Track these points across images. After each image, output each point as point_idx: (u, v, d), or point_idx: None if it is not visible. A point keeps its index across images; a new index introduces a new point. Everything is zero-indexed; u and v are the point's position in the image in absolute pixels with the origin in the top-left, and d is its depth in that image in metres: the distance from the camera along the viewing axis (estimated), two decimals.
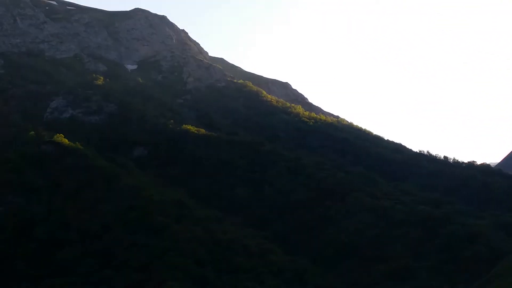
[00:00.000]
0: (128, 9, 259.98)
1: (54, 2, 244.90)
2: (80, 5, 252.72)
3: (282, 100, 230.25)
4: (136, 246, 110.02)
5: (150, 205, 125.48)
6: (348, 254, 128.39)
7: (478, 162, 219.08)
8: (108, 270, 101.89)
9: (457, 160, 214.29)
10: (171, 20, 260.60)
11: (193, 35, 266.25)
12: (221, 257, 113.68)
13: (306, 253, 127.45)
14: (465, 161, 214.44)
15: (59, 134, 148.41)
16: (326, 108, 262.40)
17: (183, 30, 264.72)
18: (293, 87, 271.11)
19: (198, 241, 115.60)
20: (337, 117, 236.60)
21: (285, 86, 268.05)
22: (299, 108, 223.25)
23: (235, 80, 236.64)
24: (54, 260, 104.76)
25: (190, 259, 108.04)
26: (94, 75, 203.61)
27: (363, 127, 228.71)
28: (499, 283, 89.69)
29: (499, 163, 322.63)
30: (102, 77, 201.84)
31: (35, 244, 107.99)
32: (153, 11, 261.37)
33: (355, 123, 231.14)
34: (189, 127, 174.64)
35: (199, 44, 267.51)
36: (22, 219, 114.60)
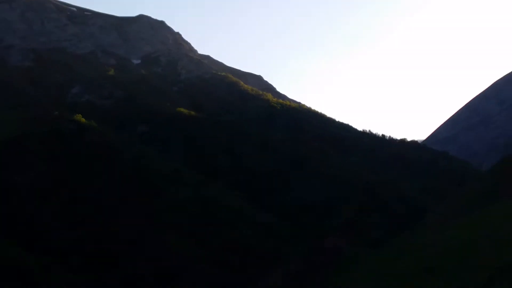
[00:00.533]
0: (134, 15, 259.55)
1: (74, 8, 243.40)
2: (95, 11, 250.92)
3: (256, 89, 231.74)
4: (140, 203, 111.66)
5: (151, 171, 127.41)
6: (307, 211, 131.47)
7: (408, 139, 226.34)
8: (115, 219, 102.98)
9: (392, 137, 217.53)
10: (168, 24, 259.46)
11: (185, 36, 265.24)
12: (207, 212, 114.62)
13: (274, 210, 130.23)
14: (398, 138, 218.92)
15: (78, 114, 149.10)
16: (290, 95, 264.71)
17: (177, 32, 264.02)
18: (265, 78, 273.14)
19: (189, 200, 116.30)
20: (299, 103, 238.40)
21: (258, 78, 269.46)
22: (269, 96, 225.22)
23: (219, 73, 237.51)
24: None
25: (183, 215, 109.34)
26: (106, 67, 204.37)
27: (319, 111, 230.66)
28: (423, 232, 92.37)
29: (425, 139, 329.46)
30: (112, 69, 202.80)
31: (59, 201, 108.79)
32: (154, 16, 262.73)
33: (313, 108, 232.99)
34: (182, 109, 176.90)
35: (190, 44, 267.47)
36: (49, 181, 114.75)
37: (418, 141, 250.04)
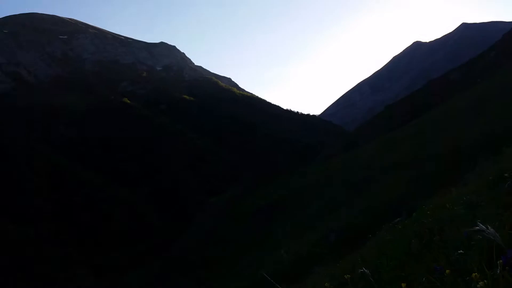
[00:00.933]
0: (157, 41, 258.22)
1: (122, 37, 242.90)
2: (134, 38, 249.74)
3: (228, 85, 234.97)
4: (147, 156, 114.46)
5: (164, 134, 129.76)
6: (261, 162, 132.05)
7: (311, 113, 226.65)
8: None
9: (302, 113, 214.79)
10: (177, 47, 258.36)
11: (187, 54, 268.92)
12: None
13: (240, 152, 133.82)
14: (305, 112, 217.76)
15: (125, 97, 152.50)
16: (247, 89, 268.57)
17: (183, 52, 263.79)
18: (233, 79, 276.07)
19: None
20: (252, 94, 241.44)
21: (229, 79, 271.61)
22: (236, 89, 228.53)
23: (207, 76, 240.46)
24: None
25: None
26: (141, 71, 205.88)
27: (264, 98, 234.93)
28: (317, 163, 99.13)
29: (320, 113, 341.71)
30: (145, 72, 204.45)
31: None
32: (169, 42, 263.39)
33: (261, 97, 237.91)
34: (186, 96, 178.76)
35: (190, 59, 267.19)
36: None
37: (316, 115, 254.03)
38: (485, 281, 1.73)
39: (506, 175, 5.47)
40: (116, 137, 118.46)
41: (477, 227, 3.35)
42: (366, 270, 3.36)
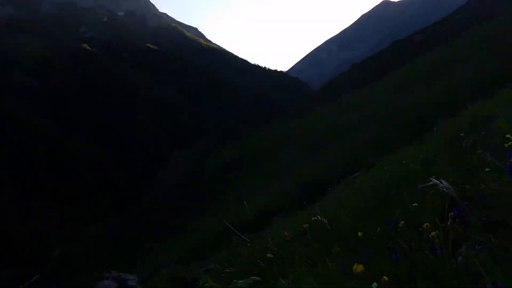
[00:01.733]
0: None
1: None
2: None
3: (194, 36, 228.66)
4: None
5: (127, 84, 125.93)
6: (228, 116, 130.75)
7: (279, 69, 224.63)
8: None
9: (270, 68, 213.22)
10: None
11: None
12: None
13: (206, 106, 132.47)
14: (273, 68, 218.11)
15: (85, 44, 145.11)
16: (214, 41, 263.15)
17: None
18: (199, 30, 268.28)
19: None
20: (219, 46, 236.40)
21: (195, 29, 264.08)
22: (202, 41, 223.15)
23: (172, 24, 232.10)
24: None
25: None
26: (100, 16, 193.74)
27: (231, 51, 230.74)
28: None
29: (287, 70, 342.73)
30: (105, 18, 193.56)
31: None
32: None
33: (227, 49, 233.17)
34: (150, 45, 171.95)
35: (154, 5, 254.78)
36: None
37: (283, 71, 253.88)
38: (436, 231, 1.82)
39: (462, 134, 5.70)
40: (75, 86, 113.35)
41: (431, 182, 3.51)
42: (324, 219, 3.48)
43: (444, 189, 1.97)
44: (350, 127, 56.50)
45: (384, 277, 1.73)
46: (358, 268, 1.52)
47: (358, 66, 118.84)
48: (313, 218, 7.34)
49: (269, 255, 3.98)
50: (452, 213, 2.11)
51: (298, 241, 4.73)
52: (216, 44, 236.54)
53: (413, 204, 2.79)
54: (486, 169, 2.53)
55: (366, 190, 5.70)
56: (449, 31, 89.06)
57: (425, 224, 2.11)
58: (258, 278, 3.27)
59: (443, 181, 2.30)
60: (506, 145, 2.59)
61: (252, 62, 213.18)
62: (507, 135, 2.50)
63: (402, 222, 2.45)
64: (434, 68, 65.48)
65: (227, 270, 5.16)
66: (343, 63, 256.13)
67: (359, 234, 2.77)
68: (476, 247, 1.60)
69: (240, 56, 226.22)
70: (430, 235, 1.75)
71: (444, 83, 53.62)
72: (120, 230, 73.21)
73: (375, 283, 1.79)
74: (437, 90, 52.54)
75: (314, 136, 66.97)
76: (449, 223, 2.06)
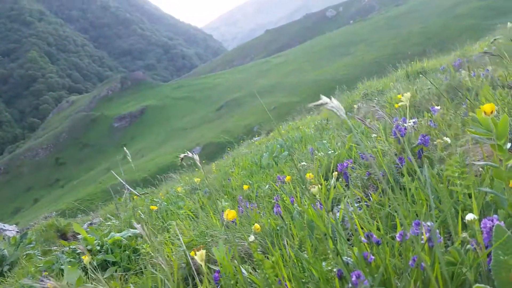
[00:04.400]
0: None
1: None
2: None
3: None
4: None
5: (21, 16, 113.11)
6: (133, 63, 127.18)
7: (193, 24, 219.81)
8: None
9: (183, 21, 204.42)
10: None
11: None
12: None
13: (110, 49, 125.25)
14: (186, 22, 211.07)
15: None
16: None
17: None
18: None
19: None
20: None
21: None
22: None
23: None
24: None
25: None
26: None
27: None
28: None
29: (204, 26, 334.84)
30: None
31: None
32: None
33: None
34: None
35: None
36: None
37: (198, 27, 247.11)
38: (319, 185, 1.82)
39: (355, 106, 6.03)
40: None
41: (321, 145, 3.61)
42: (214, 175, 3.40)
43: (333, 109, 1.96)
44: (258, 92, 57.71)
45: (256, 225, 1.71)
46: (230, 214, 1.43)
47: (272, 32, 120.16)
48: (209, 176, 7.33)
49: (153, 207, 3.84)
50: (336, 172, 2.17)
51: (189, 196, 4.68)
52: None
53: (302, 163, 2.82)
54: (373, 135, 2.61)
55: (262, 150, 5.82)
56: (359, 12, 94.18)
57: (308, 176, 2.14)
58: (138, 231, 3.13)
59: (333, 100, 2.32)
60: (396, 105, 2.76)
61: (165, 11, 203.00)
62: (399, 96, 2.63)
63: (288, 177, 2.46)
64: (342, 45, 69.29)
65: (109, 223, 4.93)
66: (258, 27, 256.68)
67: (245, 187, 2.77)
68: (355, 204, 1.63)
69: (152, 2, 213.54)
70: (313, 190, 1.74)
71: (348, 60, 57.18)
72: (3, 177, 67.19)
73: (252, 236, 1.75)
74: (341, 65, 56.05)
75: (221, 97, 67.32)
76: (332, 181, 2.12)
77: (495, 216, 1.02)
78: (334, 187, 2.09)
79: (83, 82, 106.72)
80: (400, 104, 1.95)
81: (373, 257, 1.07)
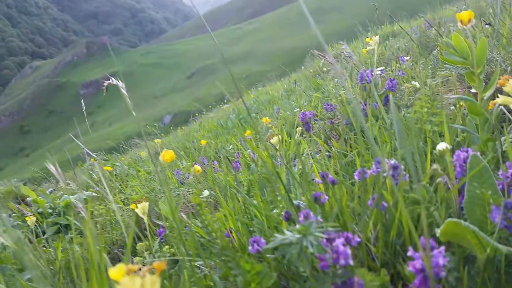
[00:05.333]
0: None
1: None
2: None
3: None
4: None
5: None
6: (99, 28, 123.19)
7: None
8: None
9: None
10: None
11: None
12: None
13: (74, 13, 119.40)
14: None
15: None
16: None
17: None
18: None
19: None
20: None
21: None
22: None
23: None
24: None
25: None
26: None
27: None
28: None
29: None
30: None
31: None
32: None
33: None
34: None
35: None
36: None
37: None
38: (284, 144, 1.71)
39: (324, 69, 5.98)
40: None
41: (287, 104, 3.49)
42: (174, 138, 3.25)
43: (296, 109, 1.87)
44: (228, 60, 56.88)
45: (196, 166, 1.70)
46: (166, 155, 1.34)
47: None
48: (175, 141, 7.16)
49: (107, 168, 3.70)
50: (300, 128, 2.08)
51: (151, 161, 4.56)
52: None
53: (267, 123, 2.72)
54: (341, 91, 2.51)
55: (229, 113, 5.75)
56: None
57: (272, 137, 2.05)
58: (94, 193, 2.99)
59: (299, 101, 2.21)
60: (364, 50, 2.68)
61: None
62: (363, 50, 2.53)
63: (248, 132, 2.35)
64: (316, 12, 68.57)
65: (67, 187, 4.73)
66: None
67: (202, 142, 2.67)
68: (317, 155, 1.53)
69: None
70: (272, 141, 1.63)
71: (321, 27, 56.97)
72: None
73: (206, 191, 1.65)
74: (312, 34, 55.78)
75: (192, 64, 66.14)
76: (296, 136, 2.02)
77: (470, 148, 0.91)
78: (299, 143, 2.00)
79: (47, 47, 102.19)
80: (368, 49, 1.83)
81: (326, 197, 0.97)
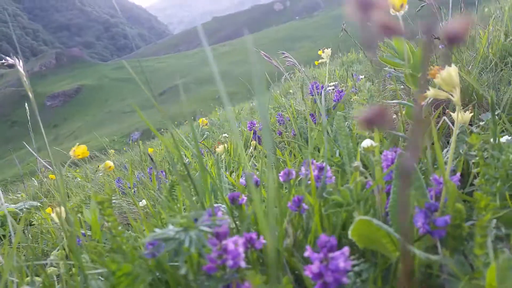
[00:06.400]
0: None
1: None
2: None
3: None
4: None
5: None
6: (69, 39, 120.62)
7: (137, 3, 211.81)
8: None
9: (132, 1, 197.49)
10: None
11: None
12: None
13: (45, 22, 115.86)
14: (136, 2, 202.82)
15: None
16: None
17: None
18: None
19: None
20: None
21: None
22: None
23: None
24: None
25: None
26: None
27: None
28: None
29: (149, 6, 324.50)
30: None
31: None
32: None
33: None
34: None
35: None
36: None
37: (142, 6, 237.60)
38: (225, 145, 1.65)
39: (290, 91, 6.09)
40: None
41: (247, 120, 3.44)
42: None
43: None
44: (201, 80, 57.10)
45: (107, 162, 1.80)
46: (77, 150, 1.41)
47: (219, 19, 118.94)
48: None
49: (51, 176, 3.55)
50: (254, 141, 2.06)
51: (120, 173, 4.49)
52: None
53: (224, 135, 2.67)
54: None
55: (194, 128, 5.73)
56: (306, 8, 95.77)
57: (217, 146, 2.01)
58: (35, 203, 2.83)
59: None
60: (316, 63, 2.70)
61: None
62: (316, 62, 2.55)
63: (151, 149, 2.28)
64: (288, 39, 70.19)
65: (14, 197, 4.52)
66: (206, 13, 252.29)
67: (149, 150, 2.58)
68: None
69: None
70: (217, 151, 1.57)
71: (293, 54, 58.23)
72: None
73: (144, 200, 1.57)
74: (284, 60, 56.94)
75: (165, 82, 65.70)
76: (250, 150, 1.98)
77: (399, 147, 0.85)
78: (252, 155, 1.95)
79: (14, 55, 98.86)
80: (320, 61, 1.82)
81: (245, 198, 0.90)
